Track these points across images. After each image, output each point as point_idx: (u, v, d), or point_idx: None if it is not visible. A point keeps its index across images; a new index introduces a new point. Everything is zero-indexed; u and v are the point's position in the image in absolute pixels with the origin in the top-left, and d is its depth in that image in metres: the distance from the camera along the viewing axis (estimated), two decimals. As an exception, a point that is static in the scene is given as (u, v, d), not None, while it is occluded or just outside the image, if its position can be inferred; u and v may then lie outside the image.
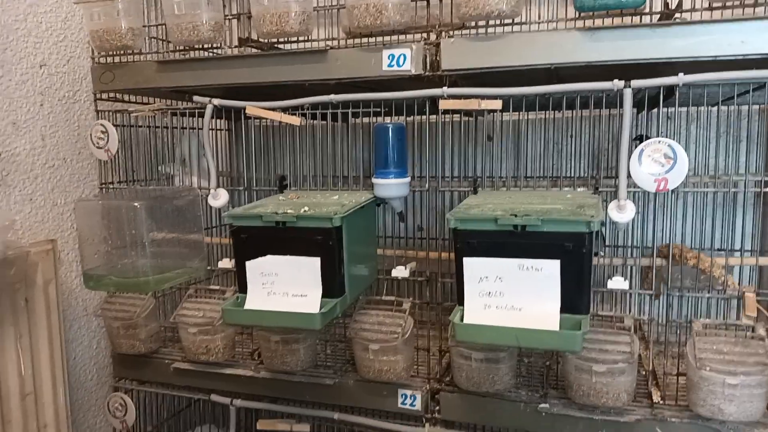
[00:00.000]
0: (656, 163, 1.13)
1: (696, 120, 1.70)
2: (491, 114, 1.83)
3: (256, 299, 1.20)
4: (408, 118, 1.36)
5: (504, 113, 1.50)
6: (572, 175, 1.68)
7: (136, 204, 1.37)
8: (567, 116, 1.65)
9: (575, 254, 0.99)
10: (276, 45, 1.49)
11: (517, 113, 1.78)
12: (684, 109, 1.68)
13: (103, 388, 1.86)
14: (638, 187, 1.15)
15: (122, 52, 1.53)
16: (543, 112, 1.80)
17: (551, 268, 1.00)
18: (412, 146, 1.54)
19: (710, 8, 1.14)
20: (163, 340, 1.65)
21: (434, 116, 1.33)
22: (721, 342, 1.11)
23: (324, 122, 1.42)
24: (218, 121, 2.03)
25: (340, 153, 1.50)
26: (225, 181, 1.95)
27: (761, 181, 1.27)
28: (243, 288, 1.22)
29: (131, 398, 1.69)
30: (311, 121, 1.43)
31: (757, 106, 1.63)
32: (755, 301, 1.10)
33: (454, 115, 1.88)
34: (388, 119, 1.51)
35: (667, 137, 1.15)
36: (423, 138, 1.35)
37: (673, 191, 1.15)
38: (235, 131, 2.10)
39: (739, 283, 1.31)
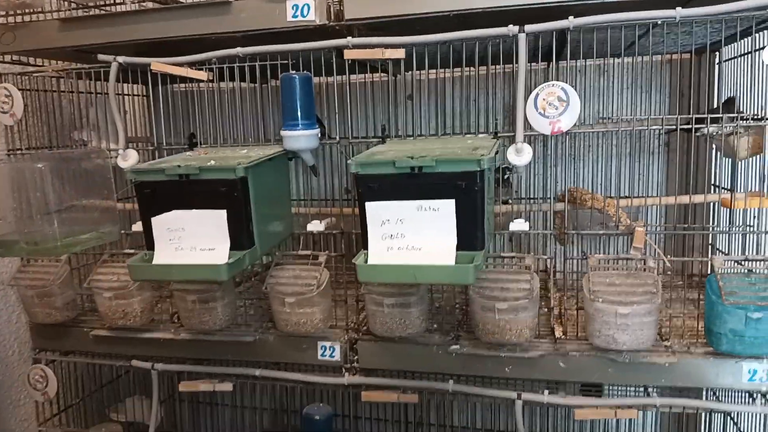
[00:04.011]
0: (551, 107, 1.16)
1: (605, 72, 1.76)
2: (410, 72, 1.85)
3: (164, 255, 1.19)
4: (329, 79, 1.36)
5: (424, 71, 1.52)
6: (492, 130, 1.72)
7: (39, 165, 1.34)
8: (483, 73, 1.68)
9: (468, 192, 1.02)
10: None
11: (436, 71, 1.82)
12: (592, 61, 1.74)
13: (27, 363, 1.81)
14: (536, 131, 1.18)
15: (22, 10, 1.47)
16: (461, 69, 1.84)
17: (447, 207, 1.03)
18: (330, 106, 1.54)
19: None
20: (81, 309, 1.62)
21: (355, 75, 1.33)
22: (613, 275, 1.17)
23: (237, 83, 1.41)
24: (135, 86, 1.98)
25: (255, 114, 1.49)
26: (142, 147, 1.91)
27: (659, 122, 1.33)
28: (151, 245, 1.21)
29: (54, 371, 1.65)
30: (227, 84, 1.42)
31: (659, 57, 1.70)
32: (644, 234, 1.16)
33: (379, 75, 1.89)
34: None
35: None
36: (343, 98, 1.36)
37: (567, 133, 1.18)
38: (153, 97, 2.05)
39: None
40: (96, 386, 1.85)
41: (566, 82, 1.23)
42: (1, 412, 1.80)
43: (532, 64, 1.66)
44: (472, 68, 1.68)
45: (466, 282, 1.05)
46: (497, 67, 1.80)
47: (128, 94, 1.91)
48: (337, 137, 1.37)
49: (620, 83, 1.73)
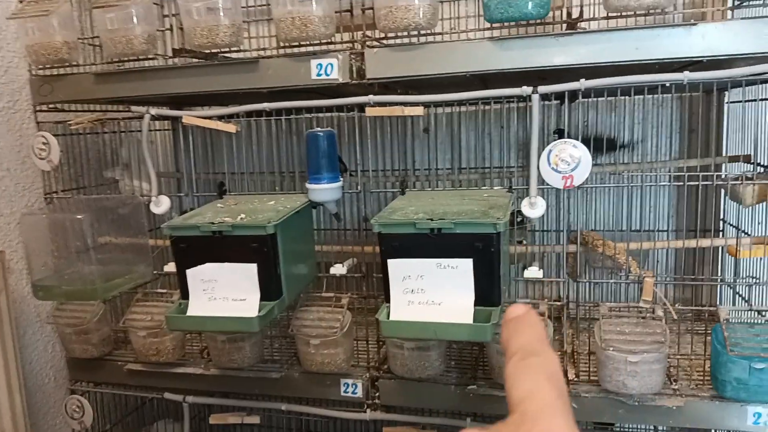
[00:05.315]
0: (563, 162, 1.22)
1: (616, 108, 1.81)
2: (426, 108, 1.92)
3: (198, 305, 1.26)
4: (343, 114, 1.43)
5: (438, 107, 1.59)
6: (503, 164, 1.78)
7: (79, 217, 1.42)
8: (496, 109, 1.74)
9: (485, 252, 1.08)
10: (211, 53, 1.53)
11: (450, 107, 1.88)
12: (603, 98, 1.79)
13: (62, 391, 1.90)
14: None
15: (59, 65, 1.55)
16: (475, 105, 1.90)
17: (465, 265, 1.10)
18: (347, 142, 1.62)
19: (607, 17, 1.22)
20: (115, 342, 1.70)
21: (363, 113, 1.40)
22: (624, 324, 1.23)
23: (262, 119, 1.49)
24: (160, 122, 2.06)
25: (278, 150, 1.56)
26: (168, 184, 1.99)
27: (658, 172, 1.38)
28: (185, 294, 1.28)
29: (88, 399, 1.74)
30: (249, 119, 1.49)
31: (669, 95, 1.75)
32: (652, 285, 1.22)
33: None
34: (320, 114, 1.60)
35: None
36: (358, 135, 1.42)
37: (579, 187, 1.24)
38: (177, 131, 2.13)
39: (648, 267, 1.43)
40: (126, 412, 1.94)
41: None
42: (38, 437, 1.90)
43: (545, 102, 1.72)
44: (485, 106, 1.75)
45: (484, 340, 1.12)
46: (510, 104, 1.86)
47: (152, 130, 1.99)
48: (358, 186, 1.44)
49: (631, 119, 1.79)
